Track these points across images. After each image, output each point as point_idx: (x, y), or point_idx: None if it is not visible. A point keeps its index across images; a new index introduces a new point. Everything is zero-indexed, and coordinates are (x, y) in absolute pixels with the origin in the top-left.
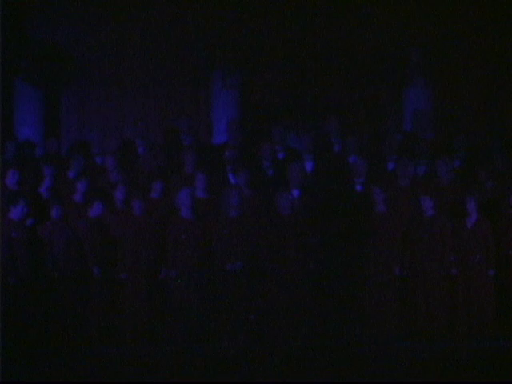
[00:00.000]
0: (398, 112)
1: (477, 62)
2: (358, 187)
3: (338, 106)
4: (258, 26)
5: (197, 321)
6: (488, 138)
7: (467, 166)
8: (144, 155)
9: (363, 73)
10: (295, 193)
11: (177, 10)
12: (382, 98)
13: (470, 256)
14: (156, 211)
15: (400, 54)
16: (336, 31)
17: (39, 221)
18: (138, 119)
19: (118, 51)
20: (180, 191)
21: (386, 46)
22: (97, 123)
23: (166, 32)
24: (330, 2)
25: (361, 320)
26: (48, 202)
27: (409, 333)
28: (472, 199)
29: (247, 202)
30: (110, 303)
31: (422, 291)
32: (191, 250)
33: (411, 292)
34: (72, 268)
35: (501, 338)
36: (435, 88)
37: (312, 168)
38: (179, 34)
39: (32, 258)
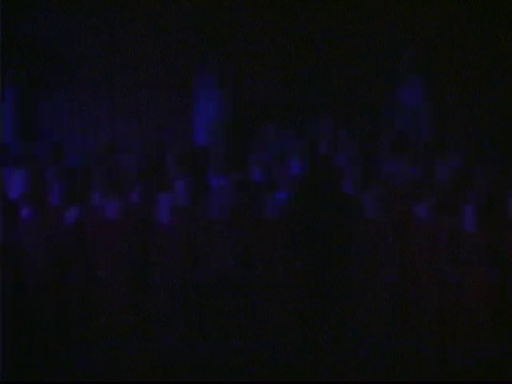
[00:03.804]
0: (391, 111)
1: (470, 60)
2: (348, 189)
3: (329, 106)
4: (244, 23)
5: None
6: (483, 138)
7: (462, 167)
8: (124, 157)
9: (355, 71)
10: (282, 195)
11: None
12: (374, 96)
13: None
14: (134, 215)
15: (393, 51)
16: (327, 29)
17: (14, 224)
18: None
19: (108, 49)
20: (159, 196)
21: (378, 44)
22: (71, 124)
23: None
24: (319, 0)
25: (351, 322)
26: (21, 206)
27: (400, 335)
28: (468, 200)
29: (232, 206)
30: (90, 304)
31: (414, 295)
32: (173, 256)
33: (403, 296)
34: (48, 272)
35: (496, 342)
36: (429, 86)
37: (300, 169)
38: (161, 31)
39: (7, 262)
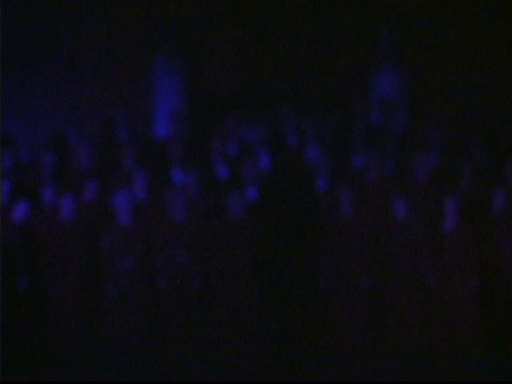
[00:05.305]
0: (365, 100)
1: (459, 43)
2: (320, 186)
3: (297, 94)
4: (206, 3)
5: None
6: (469, 131)
7: (445, 163)
8: (77, 150)
9: (324, 55)
10: (250, 193)
11: None
12: (346, 83)
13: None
14: (89, 214)
15: (367, 32)
16: (293, 9)
17: None
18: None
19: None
20: (116, 193)
21: (350, 23)
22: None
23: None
24: None
25: (325, 338)
26: None
27: (378, 351)
28: (451, 200)
29: (195, 205)
30: (39, 321)
31: (394, 304)
32: (130, 260)
33: (381, 305)
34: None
35: (484, 357)
36: (408, 72)
37: (269, 164)
38: (117, 10)
39: None
